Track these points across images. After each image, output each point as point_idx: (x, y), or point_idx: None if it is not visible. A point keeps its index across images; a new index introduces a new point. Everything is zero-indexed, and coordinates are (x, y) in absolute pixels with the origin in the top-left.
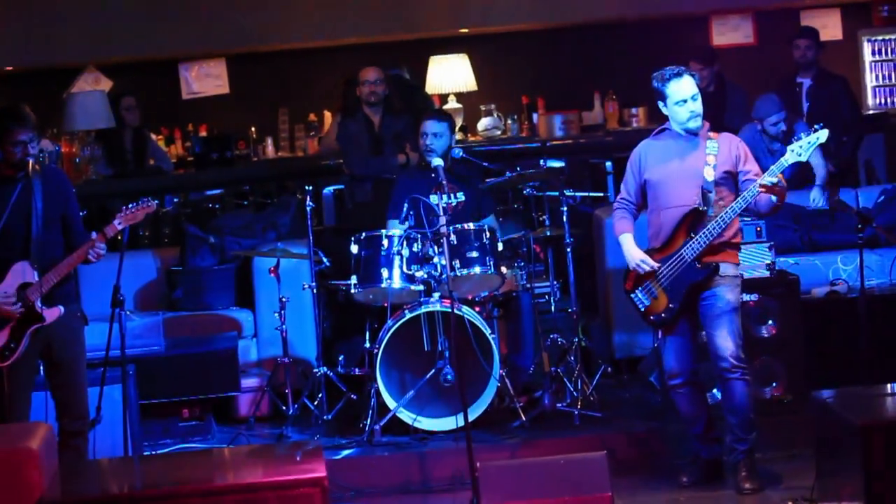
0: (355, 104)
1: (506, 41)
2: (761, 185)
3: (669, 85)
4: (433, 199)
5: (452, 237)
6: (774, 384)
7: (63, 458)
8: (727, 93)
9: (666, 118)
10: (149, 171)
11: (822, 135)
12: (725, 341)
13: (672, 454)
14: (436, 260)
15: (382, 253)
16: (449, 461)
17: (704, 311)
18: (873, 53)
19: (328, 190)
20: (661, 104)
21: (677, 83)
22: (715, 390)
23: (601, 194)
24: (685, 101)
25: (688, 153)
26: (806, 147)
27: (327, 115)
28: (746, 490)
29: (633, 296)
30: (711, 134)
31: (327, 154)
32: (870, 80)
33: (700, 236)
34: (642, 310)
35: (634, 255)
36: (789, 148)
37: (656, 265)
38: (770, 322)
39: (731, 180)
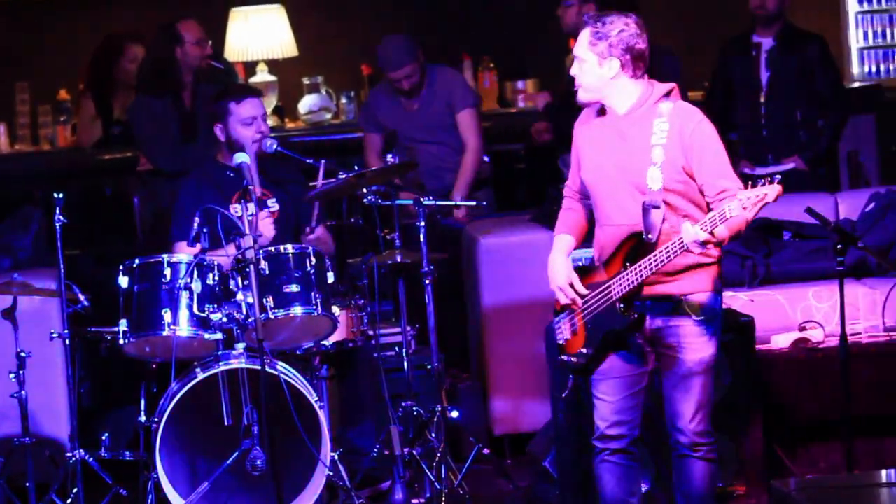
0: (159, 74)
1: None
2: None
3: None
4: (235, 210)
5: (263, 264)
6: (721, 470)
7: None
8: (653, 57)
9: None
10: None
11: (771, 192)
12: (688, 407)
13: None
14: (240, 297)
15: (164, 287)
16: None
17: (667, 368)
18: (860, 2)
19: None
20: None
21: None
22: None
23: (473, 203)
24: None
25: (628, 140)
26: (754, 199)
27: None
28: None
29: (555, 321)
30: (661, 104)
31: (88, 148)
32: (855, 40)
33: (632, 271)
34: (560, 343)
35: (557, 269)
36: (738, 196)
37: (582, 293)
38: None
39: (691, 182)
